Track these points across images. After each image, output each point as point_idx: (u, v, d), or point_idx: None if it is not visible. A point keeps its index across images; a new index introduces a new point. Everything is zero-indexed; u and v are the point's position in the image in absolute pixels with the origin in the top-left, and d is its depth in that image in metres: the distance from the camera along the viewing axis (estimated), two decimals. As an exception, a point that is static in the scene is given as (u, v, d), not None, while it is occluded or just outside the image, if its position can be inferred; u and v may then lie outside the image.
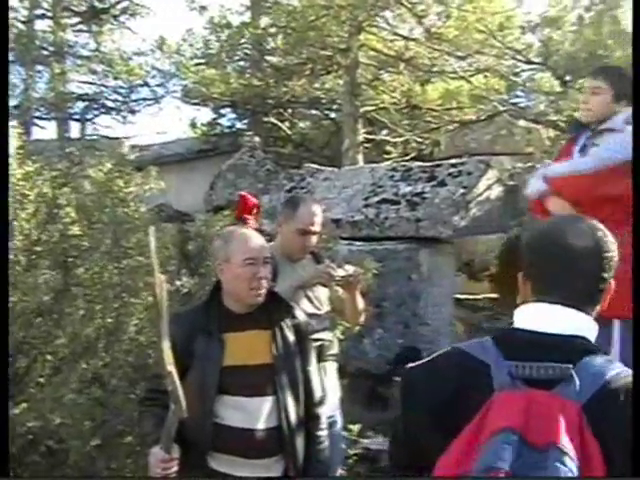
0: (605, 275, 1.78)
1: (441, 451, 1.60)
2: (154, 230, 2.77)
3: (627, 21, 14.60)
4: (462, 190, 7.96)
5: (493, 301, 9.92)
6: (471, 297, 10.13)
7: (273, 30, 16.02)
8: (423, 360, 1.86)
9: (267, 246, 3.23)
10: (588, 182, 3.94)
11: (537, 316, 1.74)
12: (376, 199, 8.51)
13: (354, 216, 8.48)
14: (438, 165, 8.78)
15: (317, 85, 16.96)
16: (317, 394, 3.27)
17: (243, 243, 3.13)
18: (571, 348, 1.68)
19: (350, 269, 4.01)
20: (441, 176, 8.35)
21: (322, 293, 4.09)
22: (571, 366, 1.63)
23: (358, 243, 8.13)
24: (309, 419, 3.19)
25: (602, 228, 1.84)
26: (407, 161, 11.63)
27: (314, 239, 4.02)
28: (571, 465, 1.47)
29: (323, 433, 3.26)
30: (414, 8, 14.41)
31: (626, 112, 4.10)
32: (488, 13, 13.43)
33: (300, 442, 3.12)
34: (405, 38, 15.00)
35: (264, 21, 16.43)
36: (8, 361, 3.05)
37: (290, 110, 18.45)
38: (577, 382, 1.60)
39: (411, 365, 1.85)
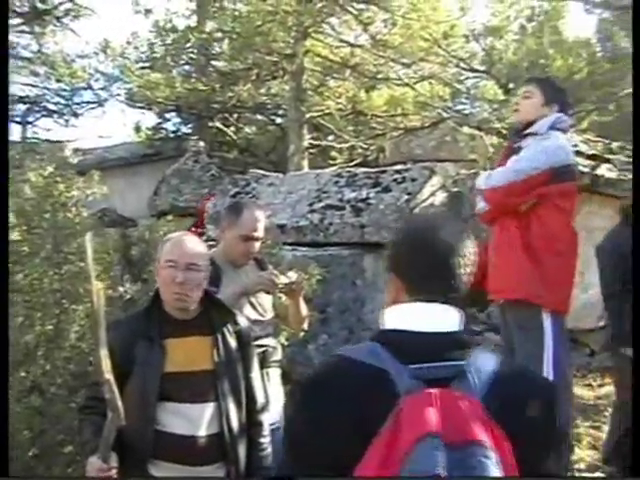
0: (468, 270, 1.81)
1: (352, 460, 1.57)
2: (91, 236, 2.74)
3: (567, 31, 14.93)
4: (406, 196, 8.01)
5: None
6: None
7: (219, 35, 15.95)
8: (312, 374, 1.81)
9: (199, 253, 3.17)
10: (499, 196, 4.08)
11: (417, 316, 1.75)
12: (321, 205, 8.52)
13: (299, 222, 8.48)
14: (383, 171, 8.82)
15: (263, 90, 16.93)
16: (259, 400, 3.26)
17: (170, 246, 3.12)
18: (457, 344, 1.72)
19: (293, 276, 4.00)
20: (385, 182, 8.39)
21: (265, 299, 4.07)
22: (465, 362, 1.67)
23: (302, 248, 8.12)
24: (251, 425, 3.18)
25: (463, 225, 1.89)
26: (352, 167, 11.67)
27: (257, 245, 4.01)
28: (493, 458, 1.51)
29: (265, 440, 3.25)
30: (360, 15, 14.49)
31: (553, 117, 4.23)
32: (432, 21, 13.56)
33: (242, 449, 3.11)
34: (351, 45, 15.08)
35: (210, 25, 16.35)
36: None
37: (235, 115, 18.40)
38: (472, 377, 1.64)
39: (301, 381, 1.80)
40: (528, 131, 4.23)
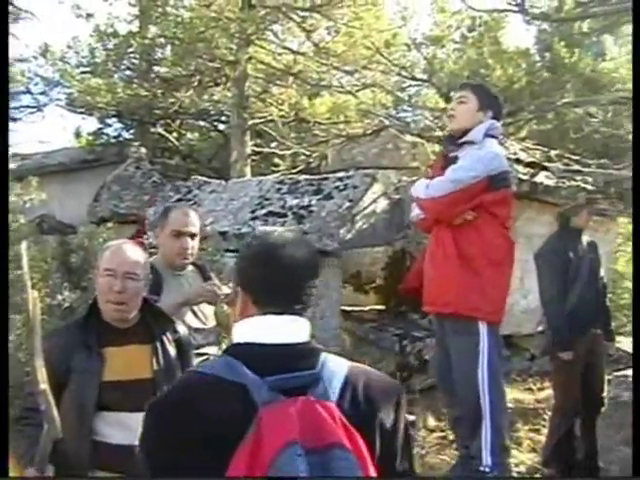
0: (313, 282, 1.86)
1: (214, 474, 1.60)
2: (26, 245, 2.69)
3: (507, 41, 15.17)
4: (348, 203, 8.05)
5: (379, 313, 10.05)
6: (357, 309, 10.22)
7: (161, 40, 15.84)
8: (165, 392, 1.81)
9: (137, 261, 3.13)
10: (439, 206, 4.09)
11: (267, 328, 1.80)
12: (263, 212, 8.52)
13: (241, 229, 8.45)
14: (325, 178, 8.85)
15: (205, 97, 16.85)
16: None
17: (109, 254, 3.08)
18: (308, 353, 1.79)
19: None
20: (328, 189, 8.42)
21: (207, 308, 4.03)
22: (317, 370, 1.74)
23: (246, 256, 8.08)
24: None
25: (307, 240, 1.98)
26: (294, 174, 11.68)
27: (191, 242, 3.95)
28: (353, 458, 1.59)
29: None
30: (303, 23, 14.54)
31: (487, 123, 4.28)
32: (375, 30, 13.67)
33: None
34: (294, 52, 15.11)
35: (152, 31, 16.21)
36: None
37: (178, 121, 18.28)
38: (325, 383, 1.72)
39: (155, 400, 1.79)
40: (464, 140, 4.23)
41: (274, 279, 1.82)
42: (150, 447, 1.74)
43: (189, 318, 3.84)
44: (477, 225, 4.13)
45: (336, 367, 1.79)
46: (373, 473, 1.63)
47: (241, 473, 1.55)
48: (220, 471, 1.58)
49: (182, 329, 3.31)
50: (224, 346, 4.89)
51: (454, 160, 4.22)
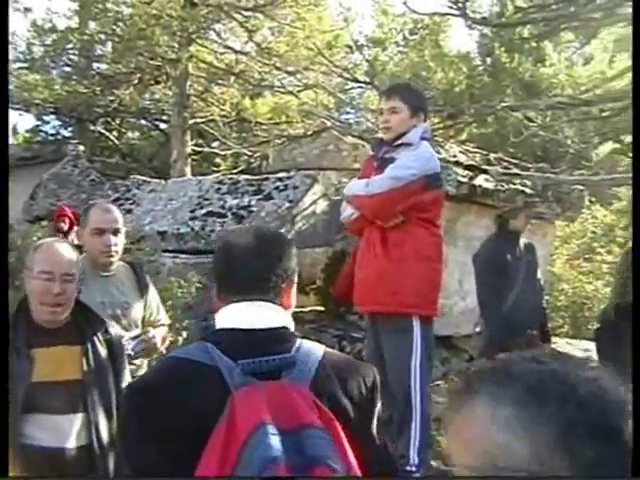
0: (273, 269, 1.91)
1: (191, 456, 1.61)
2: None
3: (448, 45, 15.32)
4: (288, 204, 8.01)
5: (319, 314, 10.04)
6: (298, 310, 10.19)
7: (101, 37, 15.61)
8: (143, 376, 1.94)
9: (72, 261, 3.05)
10: (381, 202, 4.10)
11: (241, 315, 1.85)
12: (202, 212, 8.43)
13: (180, 228, 8.35)
14: (265, 179, 8.81)
15: (146, 95, 16.68)
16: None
17: (43, 255, 3.00)
18: (282, 338, 1.84)
19: (163, 329, 3.95)
20: (268, 189, 8.37)
21: (137, 313, 3.97)
22: (292, 354, 1.79)
23: (183, 256, 8.00)
24: None
25: (274, 232, 2.11)
26: (235, 174, 11.60)
27: (114, 239, 3.80)
28: (328, 438, 1.64)
29: None
30: (246, 22, 14.47)
31: (421, 127, 4.34)
32: (317, 31, 13.68)
33: (112, 460, 3.01)
34: (236, 51, 15.03)
35: (92, 27, 15.96)
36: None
37: (118, 120, 18.05)
38: (299, 367, 1.77)
39: (134, 384, 1.87)
40: (400, 142, 4.27)
41: (230, 270, 1.91)
42: (130, 431, 1.77)
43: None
44: (408, 225, 4.18)
45: (311, 351, 1.84)
46: (350, 454, 1.66)
47: (215, 458, 1.58)
48: (196, 454, 1.61)
49: (114, 330, 3.24)
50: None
51: (391, 161, 4.26)
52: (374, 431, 1.88)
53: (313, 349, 1.85)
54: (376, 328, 4.29)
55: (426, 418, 4.19)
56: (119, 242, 3.87)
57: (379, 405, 1.91)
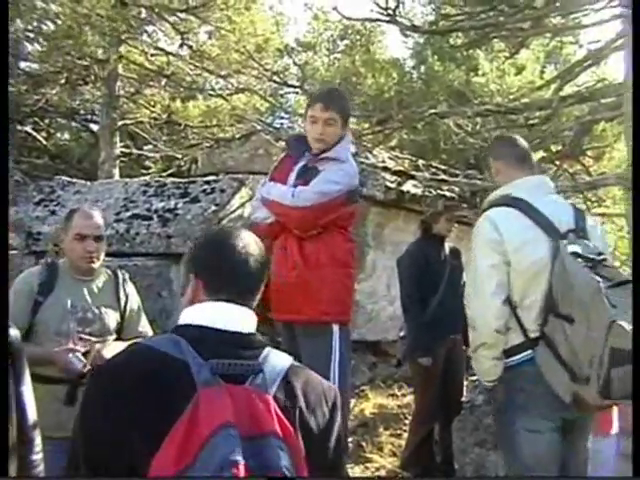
0: (262, 278, 2.01)
1: (149, 449, 1.62)
2: None
3: (379, 51, 15.42)
4: (214, 207, 7.93)
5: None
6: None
7: (28, 35, 15.27)
8: (112, 361, 1.92)
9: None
10: (306, 215, 4.07)
11: (217, 315, 1.88)
12: (128, 214, 8.29)
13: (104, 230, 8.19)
14: (192, 182, 8.71)
15: (76, 96, 16.40)
16: (31, 416, 3.06)
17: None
18: (253, 344, 1.88)
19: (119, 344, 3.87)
20: (194, 192, 8.28)
21: (111, 320, 3.97)
22: (260, 361, 1.82)
23: (107, 258, 7.81)
24: (22, 442, 2.98)
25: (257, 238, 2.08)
26: (164, 177, 11.46)
27: (96, 245, 3.86)
28: (286, 448, 1.67)
29: (38, 457, 3.05)
30: (178, 24, 14.33)
31: (349, 141, 4.35)
32: (248, 34, 13.63)
33: (13, 467, 2.91)
34: (167, 53, 14.87)
35: (18, 24, 15.60)
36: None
37: (47, 120, 17.70)
38: (265, 375, 1.78)
39: (102, 367, 1.93)
40: (327, 155, 4.19)
41: (229, 268, 1.93)
42: (91, 415, 1.78)
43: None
44: (324, 233, 4.14)
45: (278, 362, 1.87)
46: (304, 467, 1.71)
47: (173, 453, 1.59)
48: (153, 444, 1.61)
49: (12, 332, 3.12)
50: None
51: (314, 170, 4.19)
52: (332, 448, 1.92)
53: (280, 360, 1.88)
54: (292, 333, 4.25)
55: (344, 424, 4.18)
56: (100, 248, 3.92)
57: (338, 423, 1.95)
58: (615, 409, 3.90)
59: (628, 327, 2.90)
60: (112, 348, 3.74)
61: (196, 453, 1.58)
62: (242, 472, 1.56)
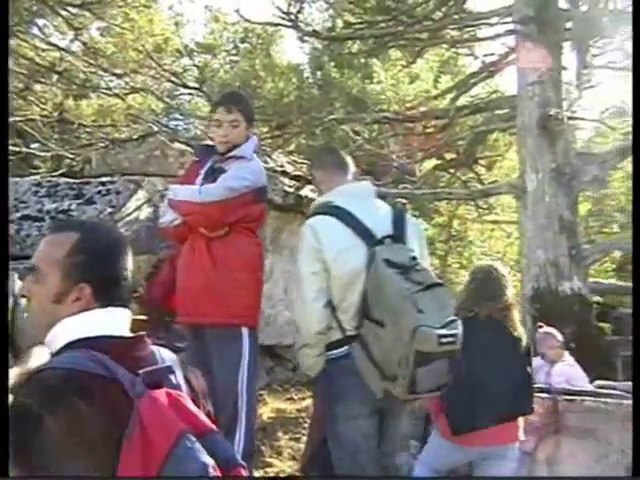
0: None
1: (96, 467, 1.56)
2: None
3: (279, 56, 15.43)
4: (110, 209, 7.75)
5: (142, 323, 9.78)
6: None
7: None
8: (33, 388, 1.68)
9: None
10: (215, 211, 4.08)
11: (114, 321, 1.81)
12: (18, 215, 8.00)
13: (-8, 232, 7.88)
14: (87, 182, 8.48)
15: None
16: None
17: None
18: (147, 346, 1.83)
19: None
20: (89, 194, 8.06)
21: None
22: (170, 364, 1.79)
23: (-4, 261, 7.54)
24: None
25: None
26: (55, 177, 11.11)
27: None
28: (225, 440, 1.71)
29: None
30: (72, 20, 13.95)
31: (253, 140, 4.40)
32: (147, 33, 13.42)
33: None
34: (60, 49, 14.45)
35: None
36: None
37: None
38: (175, 375, 1.77)
39: (21, 396, 1.67)
40: (234, 154, 4.25)
41: (117, 272, 1.86)
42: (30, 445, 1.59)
43: None
44: (231, 234, 4.18)
45: (171, 359, 1.84)
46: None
47: (137, 470, 1.53)
48: (103, 470, 1.55)
49: None
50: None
51: (221, 171, 4.23)
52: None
53: (170, 356, 1.85)
54: (201, 335, 4.22)
55: (251, 427, 4.21)
56: None
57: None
58: (521, 419, 4.28)
59: (431, 332, 3.24)
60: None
61: (162, 466, 1.53)
62: (218, 472, 1.56)
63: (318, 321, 3.61)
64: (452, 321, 3.39)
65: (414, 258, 3.54)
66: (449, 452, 4.34)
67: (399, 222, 3.76)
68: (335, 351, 3.66)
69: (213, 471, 1.55)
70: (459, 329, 3.41)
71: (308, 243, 3.68)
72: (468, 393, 4.06)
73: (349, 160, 4.11)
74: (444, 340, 3.29)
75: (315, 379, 3.85)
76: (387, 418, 3.79)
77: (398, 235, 3.69)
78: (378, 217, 3.74)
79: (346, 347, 3.62)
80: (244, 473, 1.66)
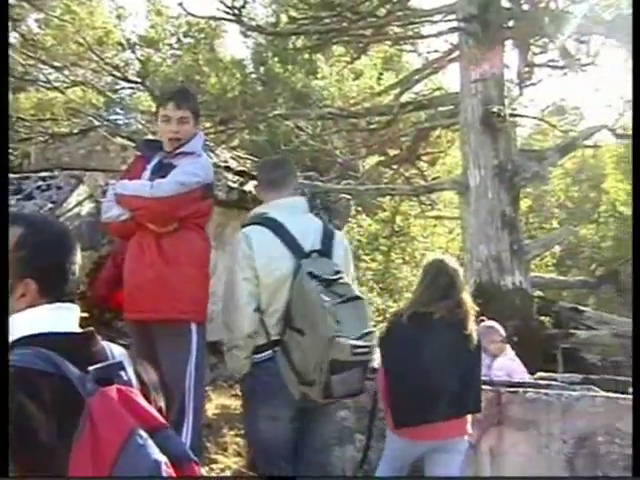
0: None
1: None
2: None
3: (223, 50, 15.33)
4: (51, 205, 7.59)
5: (84, 320, 9.64)
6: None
7: None
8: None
9: None
10: (166, 206, 4.04)
11: (62, 317, 1.75)
12: (-46, 210, 7.81)
13: None
14: (26, 177, 8.30)
15: None
16: None
17: None
18: (97, 341, 1.76)
19: None
20: (29, 189, 7.89)
21: None
22: (119, 360, 1.71)
23: None
24: None
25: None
26: (-7, 172, 10.90)
27: None
28: (177, 436, 1.68)
29: None
30: (9, 11, 13.67)
31: (201, 135, 4.37)
32: (87, 26, 13.21)
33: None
34: (-3, 41, 14.15)
35: None
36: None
37: None
38: (126, 371, 1.70)
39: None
40: (183, 150, 4.20)
41: (64, 267, 1.79)
42: None
43: None
44: (180, 230, 4.14)
45: (121, 354, 1.78)
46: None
47: (89, 469, 1.50)
48: (54, 468, 1.53)
49: None
50: None
51: (170, 166, 4.18)
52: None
53: (119, 351, 1.80)
54: (147, 332, 4.16)
55: (198, 423, 4.19)
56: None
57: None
58: (468, 417, 4.39)
59: (346, 342, 3.49)
60: None
61: (113, 464, 1.50)
62: (171, 469, 1.53)
63: (249, 324, 3.76)
64: (368, 333, 3.66)
65: (338, 272, 3.75)
66: (401, 446, 4.44)
67: (327, 238, 3.96)
68: (260, 355, 3.80)
69: (166, 468, 1.53)
70: (374, 341, 3.76)
71: (242, 250, 3.84)
72: (414, 388, 4.17)
73: (290, 173, 4.21)
74: (358, 350, 3.54)
75: (241, 380, 3.98)
76: (313, 416, 3.93)
77: (325, 250, 3.88)
78: (308, 231, 3.92)
79: (270, 351, 3.78)
80: (197, 469, 1.65)
